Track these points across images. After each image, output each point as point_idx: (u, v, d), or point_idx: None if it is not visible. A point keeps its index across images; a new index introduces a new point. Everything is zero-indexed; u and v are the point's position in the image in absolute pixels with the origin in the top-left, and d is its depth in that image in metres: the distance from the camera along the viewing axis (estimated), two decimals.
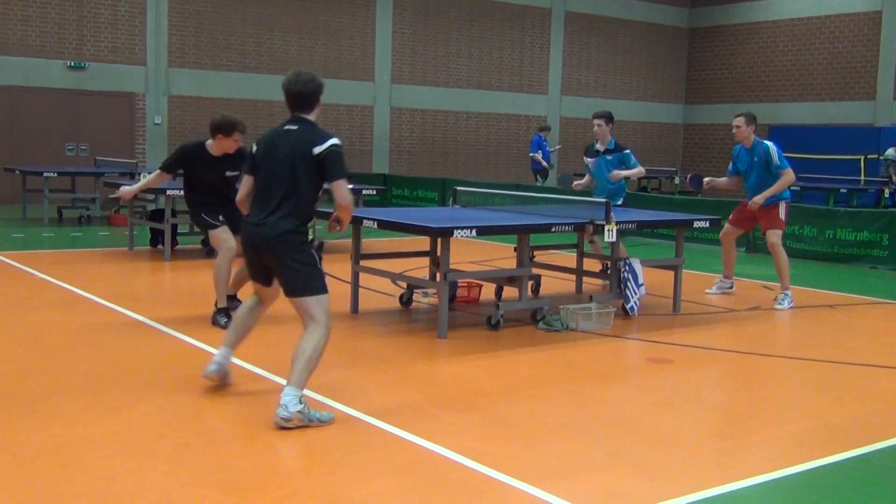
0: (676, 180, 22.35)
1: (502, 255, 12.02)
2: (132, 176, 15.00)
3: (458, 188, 9.78)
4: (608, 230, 7.91)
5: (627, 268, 8.36)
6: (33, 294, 8.86)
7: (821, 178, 21.03)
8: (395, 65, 23.99)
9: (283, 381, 5.81)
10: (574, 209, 8.72)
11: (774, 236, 9.35)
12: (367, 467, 4.44)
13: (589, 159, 10.23)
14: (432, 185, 19.97)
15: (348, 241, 7.39)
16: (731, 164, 9.90)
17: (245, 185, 5.62)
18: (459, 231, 7.17)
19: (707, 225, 9.36)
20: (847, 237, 12.96)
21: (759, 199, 9.32)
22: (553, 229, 7.98)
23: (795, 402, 6.02)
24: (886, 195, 20.49)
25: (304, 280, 5.28)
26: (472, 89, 25.37)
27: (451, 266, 7.56)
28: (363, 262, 8.33)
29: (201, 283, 9.51)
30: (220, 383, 5.70)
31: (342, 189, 5.35)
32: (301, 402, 5.03)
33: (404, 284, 8.75)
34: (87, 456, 4.48)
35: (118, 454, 4.52)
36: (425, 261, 8.86)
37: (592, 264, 9.75)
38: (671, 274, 8.91)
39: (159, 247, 11.95)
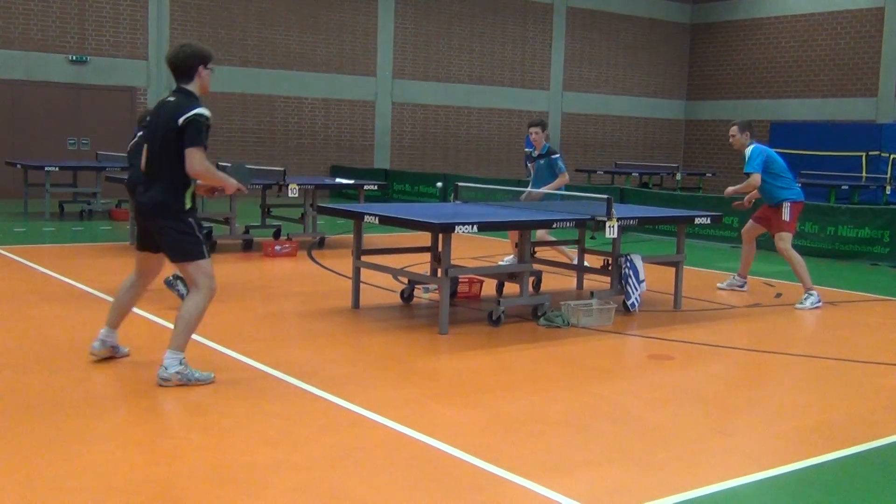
0: (678, 176, 22.35)
1: (503, 250, 12.03)
2: None
3: (460, 184, 9.78)
4: (609, 226, 7.91)
5: (628, 264, 8.36)
6: (35, 288, 8.87)
7: (822, 175, 21.04)
8: (397, 60, 23.98)
9: (288, 378, 5.85)
10: (575, 205, 8.72)
11: (781, 241, 9.36)
12: (369, 462, 4.45)
13: (530, 164, 10.85)
14: (433, 180, 19.97)
15: (350, 237, 7.40)
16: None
17: (144, 154, 5.85)
18: (461, 227, 7.17)
19: (708, 221, 9.36)
20: (848, 234, 12.96)
21: (729, 189, 9.83)
22: (554, 225, 7.98)
23: (796, 399, 6.03)
24: (888, 192, 20.49)
25: (182, 247, 5.59)
26: (474, 85, 25.36)
27: (453, 262, 7.57)
28: (364, 258, 8.34)
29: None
30: (113, 355, 6.07)
31: (191, 157, 5.47)
32: (181, 364, 5.50)
33: (405, 280, 8.76)
34: (89, 450, 4.49)
35: (119, 448, 4.53)
36: (426, 256, 8.87)
37: (593, 260, 9.76)
38: (672, 270, 8.92)
39: None
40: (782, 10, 26.97)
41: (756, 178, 9.35)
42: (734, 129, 9.63)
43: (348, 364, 6.46)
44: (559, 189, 10.33)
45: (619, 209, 8.41)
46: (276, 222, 12.73)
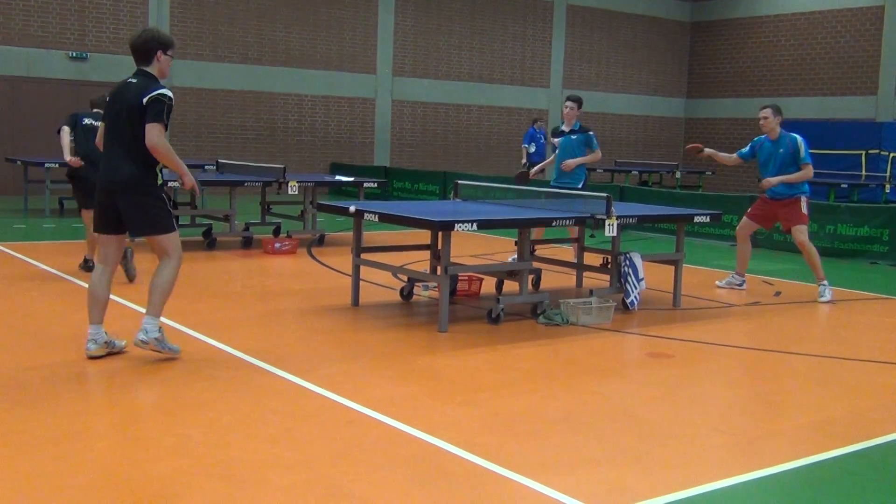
0: (677, 174, 22.35)
1: (503, 248, 12.03)
2: None
3: (460, 182, 9.79)
4: (608, 224, 7.92)
5: (628, 262, 8.37)
6: (35, 285, 8.88)
7: (822, 174, 21.02)
8: (397, 57, 23.97)
9: (288, 375, 5.86)
10: (575, 203, 8.73)
11: (800, 233, 9.38)
12: (368, 460, 4.46)
13: (556, 139, 10.94)
14: (433, 178, 19.97)
15: (349, 235, 7.41)
16: (747, 147, 9.90)
17: (99, 132, 6.19)
18: (460, 225, 7.18)
19: (707, 220, 9.36)
20: (848, 232, 12.97)
21: (774, 179, 9.37)
22: (554, 223, 7.99)
23: (794, 397, 6.04)
24: (887, 190, 20.50)
25: (157, 221, 5.95)
26: (474, 82, 25.36)
27: (452, 260, 7.57)
28: (364, 256, 8.34)
29: (202, 274, 9.54)
30: (110, 351, 6.14)
31: (150, 131, 5.76)
32: (159, 331, 6.00)
33: (405, 278, 8.77)
34: (89, 447, 4.50)
35: (120, 445, 4.54)
36: (426, 254, 8.88)
37: (593, 259, 9.76)
38: (671, 269, 8.92)
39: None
40: (782, 9, 26.97)
41: (811, 170, 9.36)
42: (767, 112, 9.51)
43: (348, 361, 6.46)
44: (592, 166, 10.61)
45: (618, 207, 8.41)
46: (275, 220, 12.74)
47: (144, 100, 5.78)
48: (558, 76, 26.92)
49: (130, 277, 8.72)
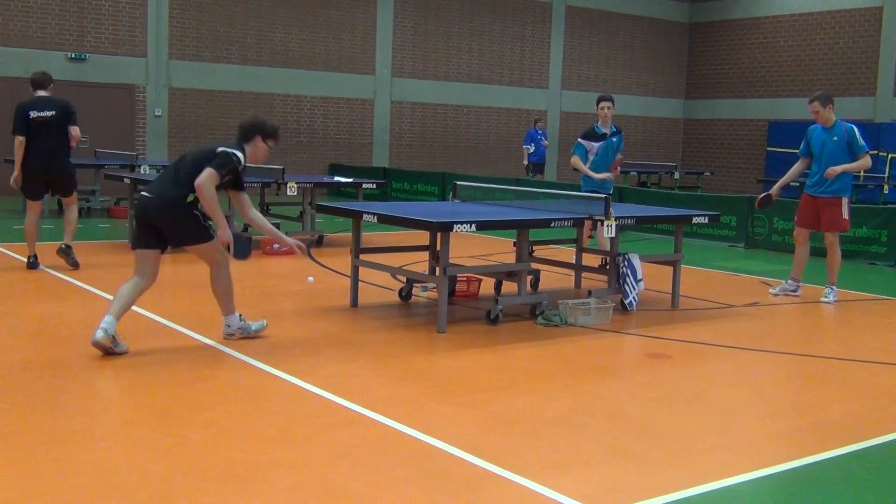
0: (676, 175, 22.36)
1: (502, 249, 12.04)
2: (132, 168, 15.02)
3: (458, 182, 9.80)
4: (607, 225, 7.93)
5: (626, 263, 8.38)
6: (33, 286, 8.89)
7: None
8: (396, 58, 23.98)
9: (286, 376, 5.88)
10: (574, 204, 8.74)
11: (833, 236, 9.28)
12: (367, 461, 4.47)
13: (595, 143, 10.37)
14: (432, 179, 19.98)
15: (348, 236, 7.42)
16: (803, 142, 9.60)
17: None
18: (459, 226, 7.19)
19: (706, 221, 9.37)
20: (846, 233, 12.97)
21: (837, 168, 9.02)
22: (553, 224, 8.00)
23: (792, 398, 6.05)
24: (886, 191, 20.51)
25: (197, 232, 6.47)
26: (473, 83, 25.37)
27: (451, 260, 7.58)
28: (363, 257, 8.35)
29: (202, 276, 9.54)
30: (112, 348, 6.20)
31: (205, 174, 6.28)
32: (241, 320, 6.78)
33: (404, 279, 8.78)
34: (88, 448, 4.51)
35: (119, 446, 4.55)
36: (425, 255, 8.89)
37: (591, 259, 9.77)
38: (670, 269, 8.93)
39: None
40: (780, 10, 27.00)
41: (869, 160, 9.21)
42: (817, 105, 9.20)
43: (346, 362, 6.47)
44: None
45: (617, 208, 8.42)
46: (274, 220, 12.70)
47: (219, 149, 6.40)
48: (557, 77, 26.93)
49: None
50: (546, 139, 21.32)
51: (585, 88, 27.48)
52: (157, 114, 20.71)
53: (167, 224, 6.39)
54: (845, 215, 9.19)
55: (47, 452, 4.42)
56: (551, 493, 4.11)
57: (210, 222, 6.51)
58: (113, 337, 6.17)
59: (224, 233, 6.57)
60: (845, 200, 9.18)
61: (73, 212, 10.08)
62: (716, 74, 28.81)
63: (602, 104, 10.44)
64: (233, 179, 6.57)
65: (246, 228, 11.80)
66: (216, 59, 21.37)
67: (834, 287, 9.35)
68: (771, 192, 9.72)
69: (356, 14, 23.18)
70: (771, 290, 9.78)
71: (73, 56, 19.59)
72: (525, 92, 26.35)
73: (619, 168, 10.32)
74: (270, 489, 4.07)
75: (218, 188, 6.41)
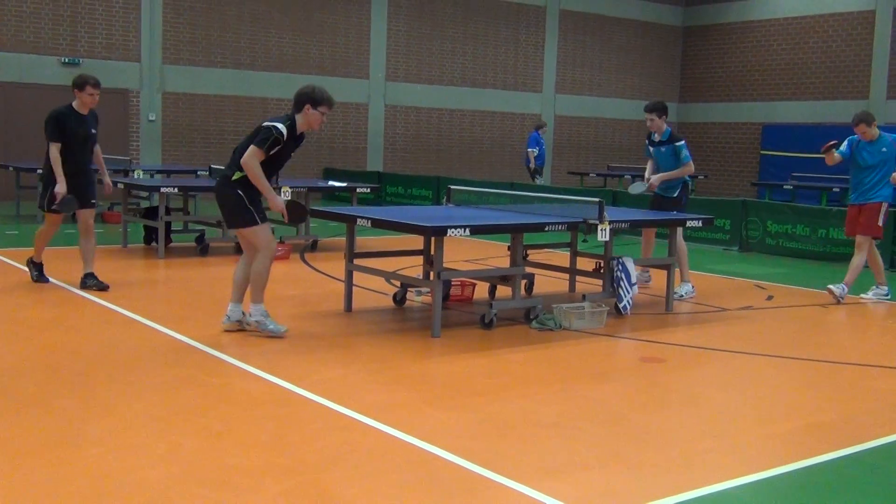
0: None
1: (496, 253, 12.05)
2: (126, 173, 15.00)
3: (453, 186, 9.79)
4: (601, 229, 7.93)
5: (620, 267, 8.39)
6: (27, 291, 8.86)
7: (813, 178, 21.10)
8: (390, 62, 23.99)
9: (280, 381, 5.87)
10: (567, 208, 8.74)
11: (863, 238, 9.44)
12: (361, 466, 4.46)
13: (651, 148, 10.18)
14: (426, 183, 19.98)
15: (342, 240, 7.42)
16: (845, 144, 9.69)
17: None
18: (453, 230, 7.19)
19: (700, 224, 9.38)
20: (839, 236, 12.98)
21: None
22: (546, 228, 8.00)
23: (787, 401, 6.05)
24: None
25: (235, 214, 6.88)
26: (467, 87, 25.38)
27: (445, 265, 7.58)
28: (357, 261, 8.35)
29: (195, 280, 9.53)
30: (241, 328, 7.08)
31: (248, 153, 6.76)
32: (262, 314, 6.99)
33: (398, 283, 8.77)
34: (82, 454, 4.50)
35: (113, 452, 4.53)
36: (419, 259, 8.88)
37: (585, 263, 9.77)
38: (664, 273, 8.94)
39: (153, 244, 11.95)
40: (774, 13, 27.06)
41: None
42: (863, 127, 9.38)
43: (340, 367, 6.46)
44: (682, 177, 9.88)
45: (611, 212, 8.43)
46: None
47: (263, 125, 6.81)
48: (551, 81, 26.96)
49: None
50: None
51: (579, 92, 27.51)
52: (150, 118, 20.68)
53: (220, 205, 6.95)
54: (880, 222, 9.40)
55: (40, 458, 4.40)
56: (546, 498, 4.11)
57: (260, 207, 6.87)
58: (238, 321, 7.03)
59: (275, 202, 6.85)
60: (884, 206, 9.40)
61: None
62: (709, 78, 28.87)
63: (645, 114, 10.02)
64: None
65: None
66: (210, 63, 21.35)
67: (846, 286, 9.41)
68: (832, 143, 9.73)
69: (350, 18, 23.19)
70: (862, 295, 9.82)
71: (67, 61, 19.56)
72: (519, 96, 26.37)
73: (656, 184, 9.88)
74: (264, 495, 4.06)
75: (283, 165, 7.00)
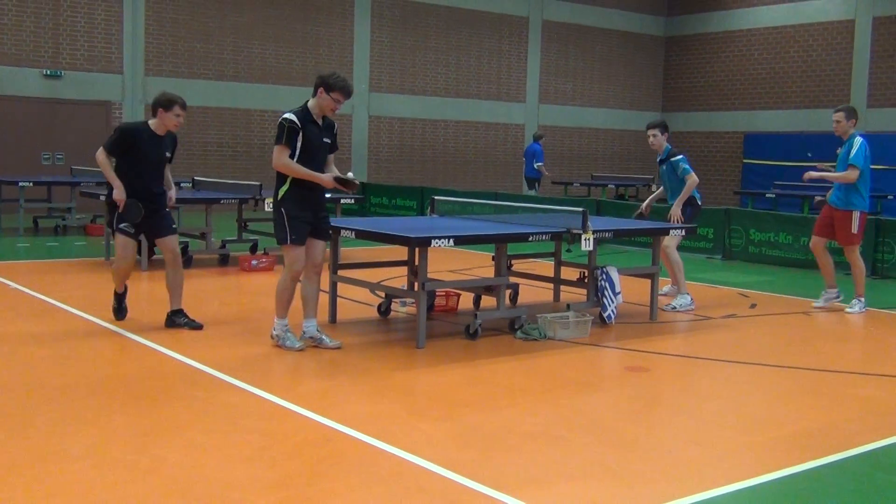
0: (653, 187, 22.47)
1: (480, 263, 12.05)
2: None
3: (437, 197, 9.80)
4: (585, 239, 7.95)
5: (604, 276, 8.41)
6: (9, 305, 8.80)
7: (796, 186, 21.22)
8: (374, 73, 24.01)
9: (264, 394, 5.85)
10: (551, 218, 8.76)
11: (850, 253, 9.40)
12: (346, 478, 4.44)
13: (659, 168, 10.07)
14: (410, 193, 19.98)
15: (327, 251, 7.44)
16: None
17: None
18: (437, 241, 7.19)
19: (683, 233, 9.41)
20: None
21: (814, 174, 9.42)
22: (530, 238, 8.01)
23: (771, 409, 6.07)
24: None
25: (275, 230, 7.04)
26: (451, 98, 25.42)
27: (429, 275, 7.57)
28: (341, 272, 8.33)
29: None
30: (317, 345, 7.14)
31: (273, 155, 6.94)
32: (282, 329, 7.06)
33: (383, 294, 8.76)
34: (65, 469, 4.46)
35: (96, 467, 4.50)
36: (403, 270, 8.88)
37: (570, 273, 9.78)
38: (648, 282, 8.96)
39: (136, 256, 11.86)
40: (754, 23, 27.25)
41: (855, 173, 9.05)
42: (840, 116, 9.20)
43: (325, 379, 6.44)
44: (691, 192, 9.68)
45: (594, 221, 8.45)
46: (252, 236, 12.70)
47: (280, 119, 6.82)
48: (534, 91, 27.04)
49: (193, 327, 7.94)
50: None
51: (563, 102, 27.61)
52: None
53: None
54: (854, 229, 9.28)
55: (21, 475, 4.36)
56: None
57: (301, 225, 6.89)
58: (311, 338, 7.10)
59: (323, 180, 6.89)
60: (856, 214, 9.25)
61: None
62: (691, 87, 29.03)
63: (647, 131, 9.89)
64: (332, 144, 7.17)
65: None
66: (193, 75, 21.31)
67: (861, 298, 9.45)
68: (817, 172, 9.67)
69: (333, 29, 23.20)
70: (814, 304, 9.80)
71: (49, 73, 19.48)
72: (502, 106, 26.43)
73: (677, 214, 9.64)
74: None
75: (321, 151, 7.02)
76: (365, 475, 4.49)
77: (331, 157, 7.22)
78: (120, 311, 7.95)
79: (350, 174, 7.13)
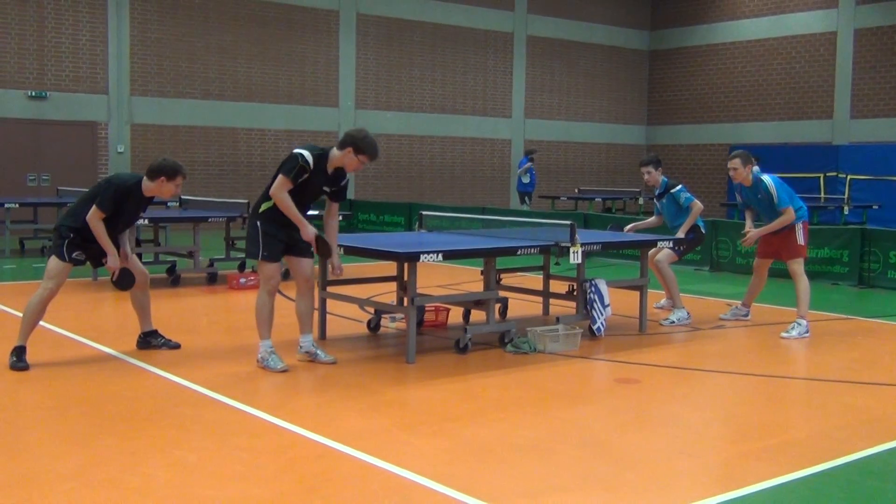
0: (640, 201, 22.58)
1: (469, 278, 12.05)
2: None
3: (424, 212, 9.81)
4: (573, 252, 7.97)
5: (593, 289, 8.42)
6: None
7: None
8: (360, 90, 24.05)
9: (254, 411, 5.83)
10: (539, 232, 8.78)
11: (796, 265, 8.94)
12: (338, 495, 4.43)
13: (656, 203, 10.04)
14: (398, 209, 20.00)
15: (315, 268, 7.44)
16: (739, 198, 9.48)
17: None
18: (426, 255, 7.19)
19: (671, 245, 9.44)
20: (809, 255, 13.12)
21: (753, 233, 9.07)
22: (519, 252, 8.02)
23: (761, 419, 6.08)
24: (846, 212, 20.83)
25: (248, 244, 7.04)
26: (437, 114, 25.49)
27: (419, 290, 7.57)
28: (330, 289, 8.32)
29: (165, 312, 9.45)
30: (312, 360, 7.22)
31: (275, 182, 6.83)
32: (263, 351, 6.95)
33: (372, 310, 8.75)
34: (54, 489, 4.43)
35: (85, 487, 4.47)
36: (393, 286, 8.87)
37: (559, 286, 9.79)
38: (637, 294, 8.98)
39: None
40: (738, 36, 27.44)
41: (791, 213, 8.82)
42: (736, 163, 8.90)
43: (315, 395, 6.43)
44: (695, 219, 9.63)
45: (582, 235, 8.47)
46: (240, 255, 12.67)
47: (293, 152, 6.75)
48: (520, 106, 27.14)
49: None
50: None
51: (548, 117, 27.70)
52: (119, 150, 20.57)
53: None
54: (800, 241, 8.98)
55: (12, 495, 4.33)
56: None
57: (275, 242, 6.90)
58: (307, 352, 7.18)
59: (305, 231, 6.84)
60: (799, 226, 8.98)
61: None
62: (676, 100, 29.19)
63: (640, 169, 9.87)
64: (336, 192, 7.03)
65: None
66: (178, 94, 21.29)
67: (802, 320, 8.78)
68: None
69: (319, 47, 23.24)
70: (721, 316, 9.72)
71: (34, 94, 19.44)
72: (489, 121, 26.51)
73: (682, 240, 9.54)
74: None
75: (314, 196, 6.95)
76: (357, 491, 4.48)
77: (335, 206, 7.14)
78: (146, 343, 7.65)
79: (334, 249, 7.11)
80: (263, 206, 6.86)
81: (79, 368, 7.05)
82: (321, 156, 6.82)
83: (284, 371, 6.86)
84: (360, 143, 6.77)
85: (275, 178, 6.77)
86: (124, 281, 7.26)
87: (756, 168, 9.05)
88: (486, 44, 26.30)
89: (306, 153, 6.73)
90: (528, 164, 21.34)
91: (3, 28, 19.09)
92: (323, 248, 6.96)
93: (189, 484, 4.54)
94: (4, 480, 4.53)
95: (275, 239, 6.89)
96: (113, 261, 7.15)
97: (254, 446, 5.17)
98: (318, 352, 7.26)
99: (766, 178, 8.93)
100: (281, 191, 6.71)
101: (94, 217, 7.00)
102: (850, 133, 25.13)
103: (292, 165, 6.69)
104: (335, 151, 6.83)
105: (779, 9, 26.43)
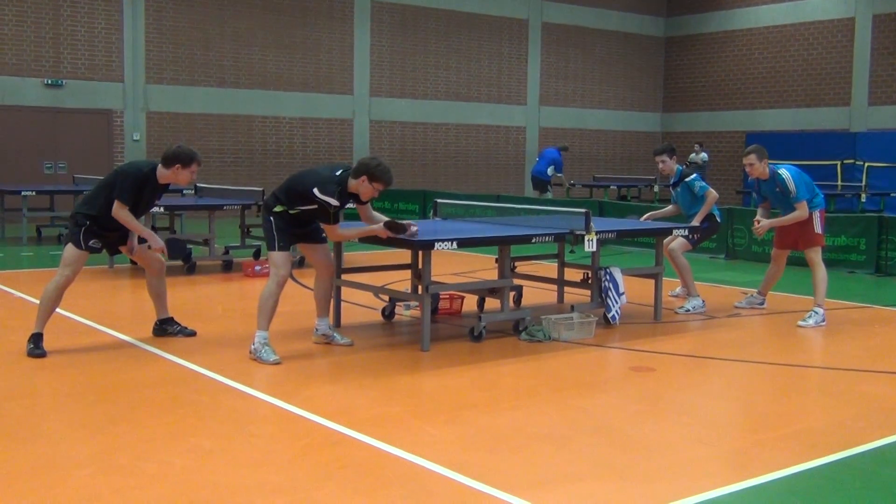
0: (656, 188, 22.48)
1: (484, 266, 12.05)
2: None
3: (439, 200, 9.80)
4: (588, 240, 7.95)
5: (608, 277, 8.40)
6: (13, 314, 8.81)
7: None
8: (374, 78, 24.03)
9: (269, 398, 5.84)
10: (554, 220, 8.76)
11: (814, 253, 8.89)
12: (353, 482, 4.44)
13: (672, 192, 9.97)
14: (413, 197, 19.99)
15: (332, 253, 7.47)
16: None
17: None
18: (441, 244, 7.19)
19: (686, 233, 9.39)
20: (825, 242, 13.04)
21: (766, 223, 9.03)
22: (534, 240, 8.01)
23: (776, 408, 6.06)
24: (863, 200, 20.71)
25: (264, 236, 7.12)
26: (451, 101, 25.44)
27: (433, 278, 7.57)
28: (345, 276, 8.33)
29: (182, 300, 9.49)
30: (329, 342, 7.40)
31: (329, 229, 7.18)
32: (259, 342, 6.83)
33: (386, 298, 8.76)
34: (72, 475, 4.46)
35: (102, 473, 4.50)
36: (407, 273, 8.87)
37: (573, 274, 9.77)
38: (651, 283, 8.95)
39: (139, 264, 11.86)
40: (755, 23, 27.26)
41: (805, 210, 8.77)
42: (752, 158, 8.89)
43: (330, 383, 6.44)
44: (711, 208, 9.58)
45: (597, 222, 8.44)
46: (255, 242, 12.70)
47: (314, 190, 6.74)
48: (535, 93, 27.06)
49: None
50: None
51: (563, 104, 27.61)
52: (135, 138, 20.64)
53: None
54: (818, 230, 8.93)
55: (28, 482, 4.36)
56: None
57: (287, 234, 7.00)
58: (323, 335, 7.35)
59: (379, 230, 7.09)
60: (816, 215, 8.93)
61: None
62: (692, 88, 29.04)
63: (654, 158, 9.81)
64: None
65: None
66: (194, 82, 21.34)
67: (819, 309, 8.76)
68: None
69: (333, 34, 23.23)
70: (736, 304, 9.67)
71: (50, 82, 19.52)
72: (503, 108, 26.45)
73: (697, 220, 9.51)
74: None
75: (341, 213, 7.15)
76: (372, 478, 4.49)
77: (367, 206, 7.28)
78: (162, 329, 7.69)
79: (401, 224, 7.22)
80: (277, 208, 6.97)
81: (95, 355, 7.10)
82: (342, 189, 6.88)
83: (277, 363, 6.74)
84: (374, 172, 6.86)
85: (298, 184, 6.90)
86: (176, 250, 7.50)
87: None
88: (500, 31, 26.21)
89: (331, 199, 6.77)
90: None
91: (20, 16, 19.15)
92: (396, 228, 7.10)
93: (205, 470, 4.56)
94: (22, 467, 4.57)
95: (286, 233, 7.02)
96: (154, 242, 7.27)
97: (269, 433, 5.19)
98: (335, 334, 7.39)
99: (783, 170, 8.87)
100: (336, 229, 7.06)
101: (118, 209, 7.01)
102: (868, 120, 24.94)
103: (333, 212, 6.92)
104: (351, 181, 6.89)
105: None
